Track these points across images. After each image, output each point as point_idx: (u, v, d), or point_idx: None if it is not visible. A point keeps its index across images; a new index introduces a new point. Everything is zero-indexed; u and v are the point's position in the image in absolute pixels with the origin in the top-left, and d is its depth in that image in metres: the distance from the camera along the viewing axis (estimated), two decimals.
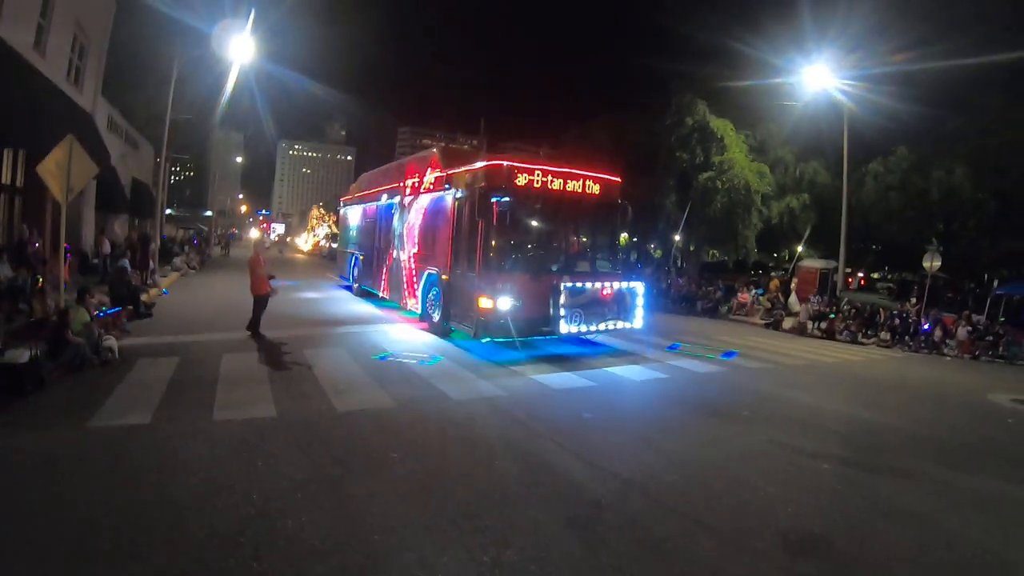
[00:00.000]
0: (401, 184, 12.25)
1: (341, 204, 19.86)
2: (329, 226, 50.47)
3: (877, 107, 19.08)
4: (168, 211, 28.15)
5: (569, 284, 8.69)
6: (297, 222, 76.07)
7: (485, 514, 3.70)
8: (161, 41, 17.77)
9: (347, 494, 3.87)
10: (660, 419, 6.26)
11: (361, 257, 15.58)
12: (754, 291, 19.57)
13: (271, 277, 9.76)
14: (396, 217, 12.46)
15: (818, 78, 17.93)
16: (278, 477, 4.07)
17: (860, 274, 30.46)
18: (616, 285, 9.29)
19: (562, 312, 8.58)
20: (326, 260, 33.63)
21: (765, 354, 11.27)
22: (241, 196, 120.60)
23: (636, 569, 3.19)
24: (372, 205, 14.69)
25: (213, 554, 3.05)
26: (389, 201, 13.11)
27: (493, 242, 8.69)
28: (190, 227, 39.89)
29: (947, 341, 14.32)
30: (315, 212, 55.60)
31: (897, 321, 15.50)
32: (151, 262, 15.37)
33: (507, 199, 8.56)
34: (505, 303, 8.41)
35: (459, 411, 5.95)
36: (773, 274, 24.81)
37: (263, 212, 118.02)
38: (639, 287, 9.64)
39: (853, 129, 18.99)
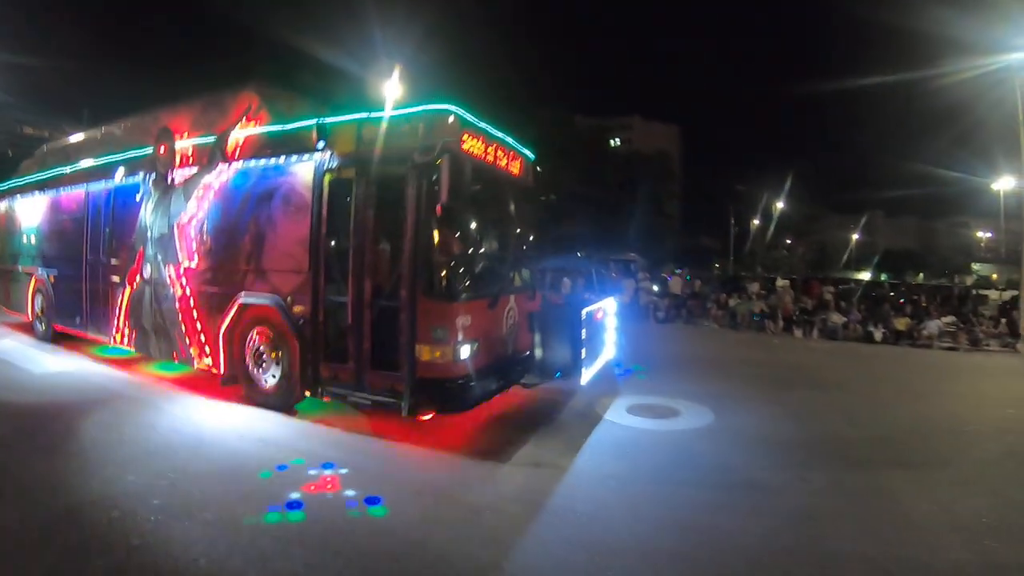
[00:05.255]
0: (162, 149, 7.22)
1: None
2: None
3: None
4: None
5: (587, 310, 5.99)
6: None
7: None
8: None
9: None
10: None
11: (51, 278, 9.31)
12: None
13: None
14: (149, 206, 7.35)
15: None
16: None
17: None
18: (603, 304, 6.86)
19: (583, 353, 5.70)
20: None
21: None
22: None
23: None
24: (79, 190, 8.73)
25: None
26: (129, 180, 7.72)
27: (439, 244, 5.01)
28: None
29: None
30: None
31: None
32: None
33: (456, 173, 4.87)
34: (466, 349, 5.03)
35: None
36: None
37: None
38: (612, 304, 7.31)
39: None
